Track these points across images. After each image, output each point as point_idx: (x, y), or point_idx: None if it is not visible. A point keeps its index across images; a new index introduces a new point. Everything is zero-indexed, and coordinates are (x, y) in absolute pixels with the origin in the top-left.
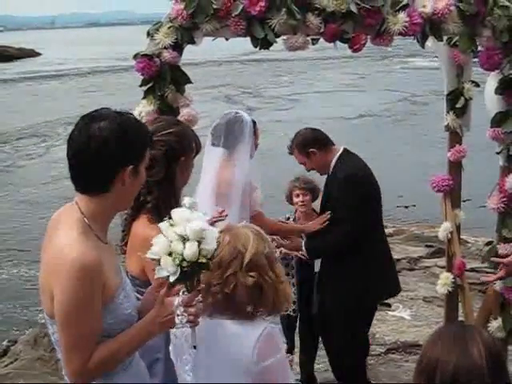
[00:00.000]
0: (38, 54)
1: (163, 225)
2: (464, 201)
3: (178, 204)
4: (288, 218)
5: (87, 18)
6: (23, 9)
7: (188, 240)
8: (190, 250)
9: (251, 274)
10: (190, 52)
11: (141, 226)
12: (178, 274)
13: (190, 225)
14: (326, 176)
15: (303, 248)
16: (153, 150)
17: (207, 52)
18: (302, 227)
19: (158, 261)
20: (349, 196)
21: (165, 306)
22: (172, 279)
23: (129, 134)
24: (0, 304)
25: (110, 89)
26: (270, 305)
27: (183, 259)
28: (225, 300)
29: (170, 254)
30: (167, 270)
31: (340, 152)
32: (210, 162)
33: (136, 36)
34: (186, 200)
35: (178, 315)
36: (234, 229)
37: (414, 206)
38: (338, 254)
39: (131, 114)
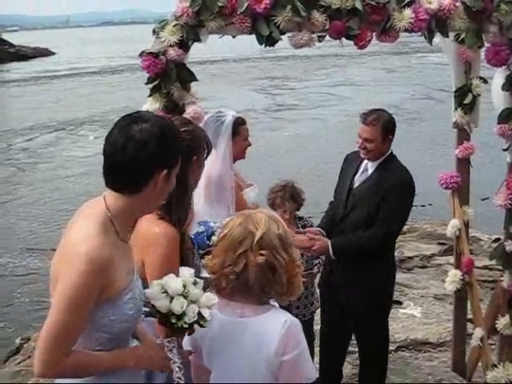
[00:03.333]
0: (53, 54)
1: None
2: (483, 199)
3: (189, 204)
4: None
5: (101, 17)
6: (38, 9)
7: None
8: (162, 303)
9: (262, 252)
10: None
11: (146, 221)
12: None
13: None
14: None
15: (330, 249)
16: None
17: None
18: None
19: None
20: (403, 200)
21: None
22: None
23: (168, 138)
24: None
25: (123, 86)
26: (284, 287)
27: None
28: (237, 281)
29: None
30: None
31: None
32: None
33: (150, 34)
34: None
35: (173, 362)
36: (246, 212)
37: (430, 204)
38: (371, 254)
39: (171, 120)
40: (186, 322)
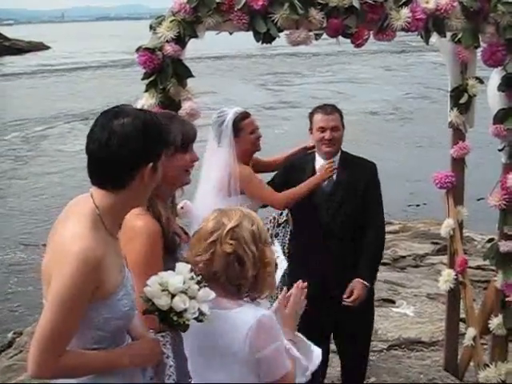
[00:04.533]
0: (48, 48)
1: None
2: (479, 199)
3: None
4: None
5: (97, 12)
6: (34, 2)
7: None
8: (163, 302)
9: (231, 242)
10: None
11: (129, 214)
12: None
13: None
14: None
15: (366, 284)
16: None
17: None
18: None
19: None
20: (379, 191)
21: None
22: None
23: (151, 131)
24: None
25: (119, 81)
26: (249, 282)
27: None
28: (206, 270)
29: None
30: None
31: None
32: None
33: (146, 30)
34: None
35: (167, 356)
36: (225, 208)
37: (425, 204)
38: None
39: (153, 112)
40: (187, 319)
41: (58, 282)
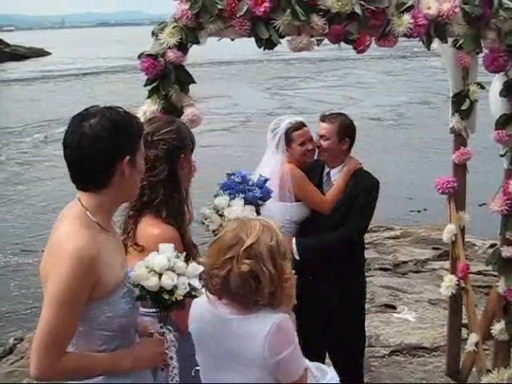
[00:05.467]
0: (48, 54)
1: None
2: (481, 205)
3: (182, 202)
4: None
5: (98, 18)
6: (35, 8)
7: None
8: (151, 282)
9: (247, 261)
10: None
11: (146, 223)
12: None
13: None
14: None
15: (294, 247)
16: (154, 150)
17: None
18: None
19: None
20: (371, 201)
21: (158, 345)
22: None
23: (120, 126)
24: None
25: (120, 87)
26: (267, 299)
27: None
28: (222, 285)
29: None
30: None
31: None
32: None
33: (147, 36)
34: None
35: (170, 357)
36: (243, 218)
37: (426, 210)
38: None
39: (120, 107)
40: (179, 295)
41: (54, 282)
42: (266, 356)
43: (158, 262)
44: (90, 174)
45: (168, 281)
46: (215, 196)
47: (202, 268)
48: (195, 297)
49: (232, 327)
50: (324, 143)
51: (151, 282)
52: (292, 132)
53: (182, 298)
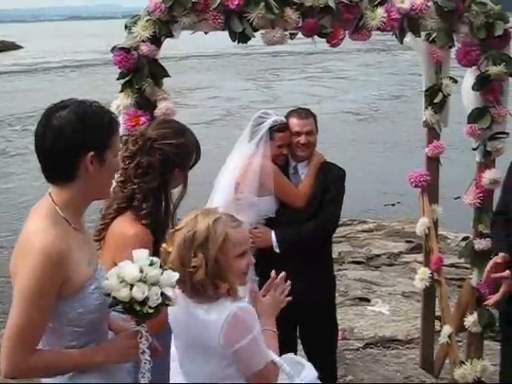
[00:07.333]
0: (20, 47)
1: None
2: (456, 198)
3: (168, 215)
4: None
5: (70, 11)
6: (9, 1)
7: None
8: (122, 293)
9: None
10: None
11: (120, 222)
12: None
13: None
14: None
15: (273, 240)
16: (150, 157)
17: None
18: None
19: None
20: (340, 193)
21: (129, 338)
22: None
23: (86, 120)
24: None
25: (93, 82)
26: (208, 286)
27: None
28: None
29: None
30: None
31: None
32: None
33: (120, 30)
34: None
35: (142, 351)
36: (201, 210)
37: (399, 202)
38: (313, 247)
39: (96, 102)
40: (150, 307)
41: (22, 278)
42: (223, 346)
43: (129, 272)
44: (55, 165)
45: (138, 293)
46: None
47: (177, 275)
48: (169, 305)
49: (195, 315)
50: (311, 138)
51: (122, 294)
52: (275, 131)
53: (152, 310)
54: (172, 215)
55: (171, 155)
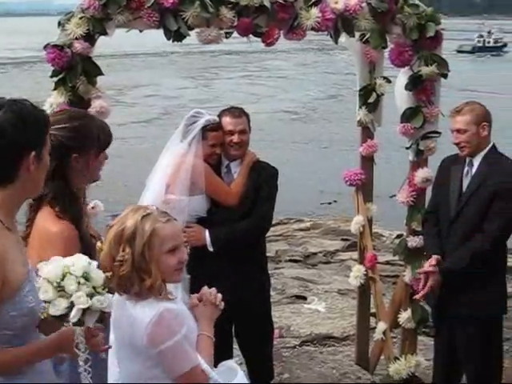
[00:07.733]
0: None
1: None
2: (391, 196)
3: (77, 201)
4: None
5: (4, 8)
6: None
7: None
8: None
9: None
10: None
11: (42, 218)
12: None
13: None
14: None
15: (207, 238)
16: None
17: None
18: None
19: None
20: (273, 191)
21: (66, 335)
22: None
23: (26, 120)
24: None
25: (26, 79)
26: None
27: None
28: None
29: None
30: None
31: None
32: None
33: (54, 27)
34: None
35: (78, 348)
36: (134, 207)
37: (335, 201)
38: (247, 245)
39: (27, 100)
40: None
41: None
42: (146, 346)
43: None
44: None
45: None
46: None
47: (107, 301)
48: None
49: (125, 311)
50: (244, 137)
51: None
52: (208, 131)
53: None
54: (82, 200)
55: (63, 139)
